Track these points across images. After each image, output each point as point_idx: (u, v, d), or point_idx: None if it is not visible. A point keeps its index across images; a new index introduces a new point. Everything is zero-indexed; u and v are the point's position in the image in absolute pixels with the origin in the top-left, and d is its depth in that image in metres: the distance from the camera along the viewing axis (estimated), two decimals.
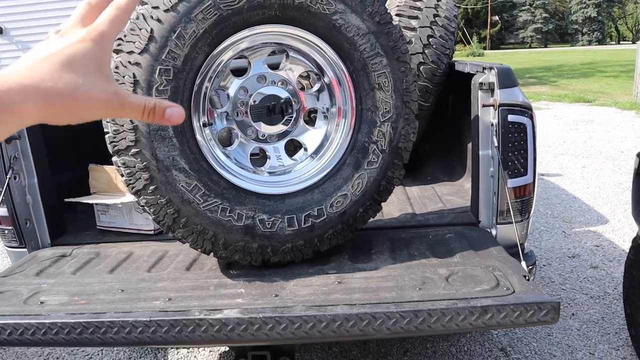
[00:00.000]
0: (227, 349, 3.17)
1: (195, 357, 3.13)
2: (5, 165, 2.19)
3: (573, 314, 3.20)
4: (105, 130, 1.69)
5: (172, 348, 3.22)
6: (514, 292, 1.58)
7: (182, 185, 1.66)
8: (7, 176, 2.18)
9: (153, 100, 0.60)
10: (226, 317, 1.55)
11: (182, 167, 1.65)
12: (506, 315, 1.52)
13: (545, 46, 54.18)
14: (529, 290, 1.59)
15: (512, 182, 2.04)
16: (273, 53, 1.90)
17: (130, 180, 1.66)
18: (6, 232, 2.29)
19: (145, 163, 1.62)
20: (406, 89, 1.84)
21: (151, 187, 1.65)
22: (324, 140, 1.91)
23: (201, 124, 1.74)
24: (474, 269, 1.75)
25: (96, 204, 2.39)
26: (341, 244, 1.92)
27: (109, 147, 1.67)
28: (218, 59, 1.72)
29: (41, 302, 1.77)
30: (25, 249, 2.30)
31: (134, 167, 1.64)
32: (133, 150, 1.62)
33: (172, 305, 1.66)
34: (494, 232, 2.13)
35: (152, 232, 2.32)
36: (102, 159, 2.49)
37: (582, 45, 50.58)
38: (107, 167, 2.37)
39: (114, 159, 1.68)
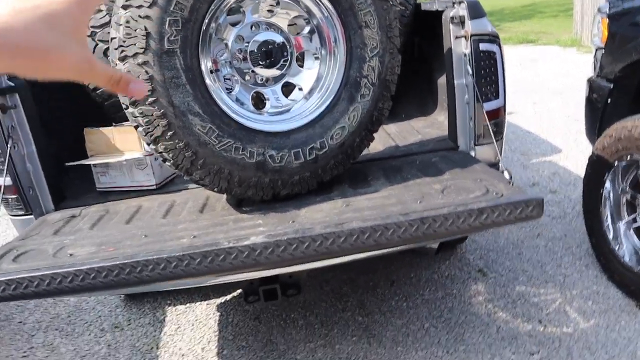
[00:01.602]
0: (225, 299, 3.34)
1: (193, 311, 3.30)
2: (4, 135, 2.23)
3: (539, 234, 3.54)
4: None
5: (170, 305, 3.36)
6: (502, 195, 1.81)
7: (198, 129, 1.79)
8: (8, 146, 2.23)
9: (119, 73, 0.62)
10: (253, 242, 1.71)
11: (197, 111, 1.78)
12: (499, 214, 1.75)
13: None
14: (516, 192, 1.82)
15: (487, 106, 2.27)
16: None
17: (148, 128, 1.77)
18: (10, 200, 2.35)
19: (162, 110, 1.74)
20: (389, 25, 2.01)
21: (169, 133, 1.77)
22: (317, 79, 2.06)
23: (209, 70, 1.86)
24: (464, 182, 1.97)
25: (94, 165, 2.47)
26: (340, 174, 2.10)
27: (125, 99, 1.77)
28: (219, 8, 1.83)
29: (70, 255, 1.87)
30: (31, 216, 2.36)
31: (152, 115, 1.75)
32: (150, 99, 1.73)
33: (199, 241, 1.80)
34: (472, 153, 2.37)
35: (154, 187, 2.43)
36: (94, 124, 2.56)
37: None
38: (103, 129, 2.44)
39: (130, 110, 1.78)
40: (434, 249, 2.93)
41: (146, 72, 1.71)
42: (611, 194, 2.90)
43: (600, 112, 3.01)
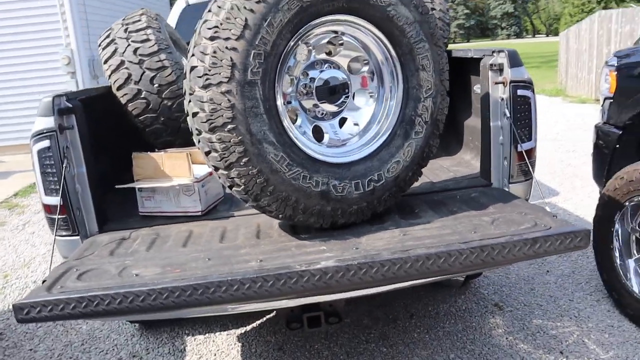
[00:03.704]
0: (245, 329, 3.35)
1: (213, 341, 3.29)
2: (60, 155, 2.28)
3: (548, 271, 3.70)
4: (193, 111, 1.88)
5: (189, 335, 3.35)
6: (550, 227, 1.95)
7: (271, 157, 1.88)
8: (63, 165, 2.27)
9: None
10: (325, 266, 1.79)
11: (271, 140, 1.88)
12: (551, 244, 1.88)
13: (468, 41, 57.71)
14: (563, 225, 1.96)
15: (522, 147, 2.43)
16: (329, 43, 2.16)
17: (224, 154, 1.85)
18: (59, 220, 2.36)
19: (240, 137, 1.83)
20: (442, 69, 2.17)
21: (244, 159, 1.86)
22: (373, 116, 2.20)
23: (282, 102, 1.97)
24: (510, 215, 2.11)
25: (140, 189, 2.51)
26: (391, 205, 2.21)
27: (202, 125, 1.85)
28: (294, 44, 1.96)
29: (136, 275, 1.91)
30: (77, 237, 2.38)
31: (229, 141, 1.84)
32: (229, 126, 1.82)
33: (268, 264, 1.87)
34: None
35: (199, 213, 2.49)
36: (140, 149, 2.62)
37: (502, 39, 54.62)
38: (152, 154, 2.50)
39: (207, 136, 1.86)
40: (461, 281, 3.03)
41: (228, 100, 1.81)
42: (620, 232, 3.08)
43: (609, 157, 3.22)
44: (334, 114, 2.19)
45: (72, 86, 8.46)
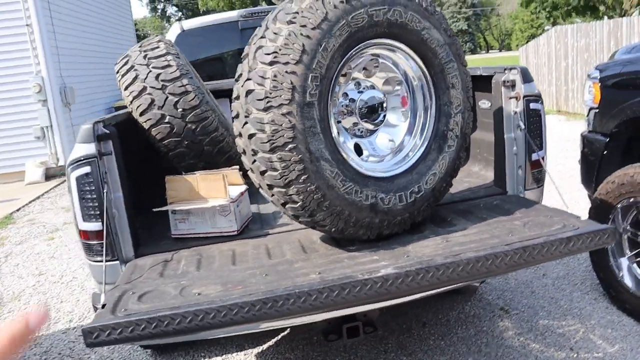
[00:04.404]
0: (262, 349, 3.39)
1: None
2: (101, 181, 2.30)
3: (544, 274, 3.93)
4: (250, 133, 1.97)
5: (204, 357, 3.36)
6: (579, 227, 2.14)
7: (327, 173, 1.99)
8: (104, 190, 2.29)
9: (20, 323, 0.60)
10: (387, 273, 1.90)
11: (327, 157, 1.98)
12: (583, 241, 2.06)
13: None
14: (589, 224, 2.15)
15: (534, 156, 2.64)
16: (367, 65, 2.30)
17: (284, 172, 1.94)
18: (96, 246, 2.36)
19: (300, 156, 1.93)
20: (468, 86, 2.35)
21: (304, 177, 1.95)
22: (407, 132, 2.34)
23: (335, 121, 2.09)
24: (537, 218, 2.28)
25: (173, 212, 2.55)
26: (428, 215, 2.35)
27: (261, 146, 1.94)
28: (343, 67, 2.09)
29: (198, 294, 1.95)
30: (117, 262, 2.39)
31: (290, 160, 1.93)
32: (290, 146, 1.92)
33: (329, 275, 1.96)
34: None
35: (235, 233, 2.54)
36: (168, 172, 2.66)
37: None
38: (186, 176, 2.55)
39: (265, 155, 1.95)
40: (477, 287, 3.19)
41: (289, 121, 1.91)
42: None
43: (596, 162, 3.49)
44: (372, 132, 2.33)
45: (44, 114, 8.26)
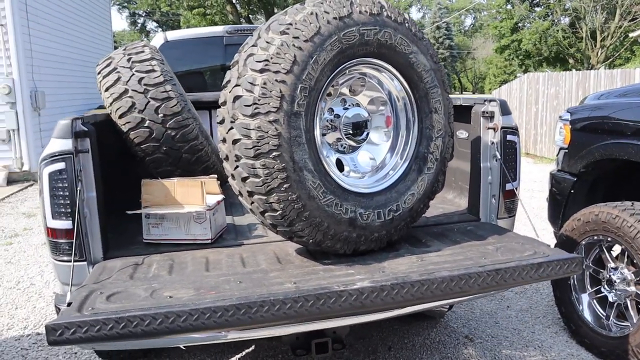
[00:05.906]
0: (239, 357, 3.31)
1: None
2: (75, 178, 2.24)
3: (508, 306, 3.99)
4: (234, 138, 1.97)
5: None
6: (549, 255, 2.19)
7: (309, 184, 2.00)
8: (78, 189, 2.24)
9: None
10: (362, 286, 1.90)
11: (310, 168, 2.00)
12: (552, 268, 2.12)
13: None
14: (558, 252, 2.22)
15: (509, 186, 2.71)
16: (354, 84, 2.34)
17: (267, 179, 1.94)
18: (63, 245, 2.29)
19: (284, 164, 1.94)
20: (450, 113, 2.41)
21: (286, 185, 1.96)
22: (390, 151, 2.38)
23: (320, 133, 2.11)
24: (510, 244, 2.34)
25: (147, 216, 2.50)
26: (404, 235, 2.38)
27: (245, 152, 1.94)
28: (332, 81, 2.12)
29: (170, 297, 1.91)
30: (84, 262, 2.32)
31: (273, 167, 1.94)
32: (274, 154, 1.92)
33: (304, 285, 1.95)
34: None
35: (209, 241, 2.51)
36: (145, 176, 2.62)
37: None
38: (164, 181, 2.51)
39: (249, 162, 1.95)
40: (445, 312, 3.20)
41: (275, 128, 1.92)
42: None
43: (564, 200, 3.61)
44: (354, 148, 2.36)
45: (12, 117, 8.03)
